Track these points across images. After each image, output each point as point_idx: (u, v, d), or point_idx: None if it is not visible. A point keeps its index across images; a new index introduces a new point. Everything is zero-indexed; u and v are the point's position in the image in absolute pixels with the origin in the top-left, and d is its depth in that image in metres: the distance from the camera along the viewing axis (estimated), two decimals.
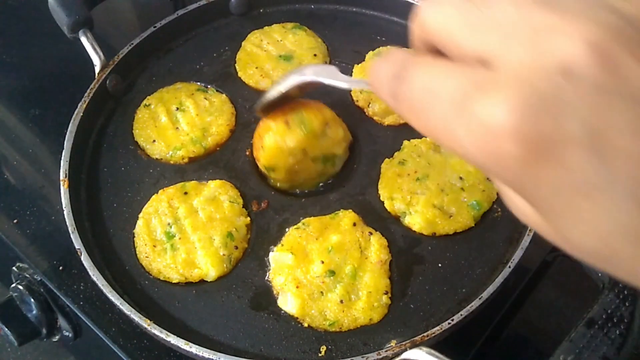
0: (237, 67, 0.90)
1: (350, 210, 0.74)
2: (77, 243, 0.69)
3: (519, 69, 0.27)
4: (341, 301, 0.67)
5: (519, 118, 0.26)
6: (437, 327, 0.63)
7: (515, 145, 0.26)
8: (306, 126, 0.72)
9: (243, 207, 0.76)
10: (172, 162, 0.81)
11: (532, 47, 0.27)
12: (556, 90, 0.26)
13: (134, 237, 0.74)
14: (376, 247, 0.71)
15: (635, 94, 0.26)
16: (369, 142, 0.82)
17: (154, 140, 0.82)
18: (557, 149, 0.26)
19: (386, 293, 0.68)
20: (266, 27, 0.95)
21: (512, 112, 0.26)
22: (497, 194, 0.75)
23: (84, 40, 0.84)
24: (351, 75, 0.89)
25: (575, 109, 0.26)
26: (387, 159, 0.80)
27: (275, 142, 0.72)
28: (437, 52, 0.34)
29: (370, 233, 0.72)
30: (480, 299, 0.65)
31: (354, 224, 0.72)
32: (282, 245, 0.72)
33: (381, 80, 0.34)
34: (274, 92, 0.68)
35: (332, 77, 0.59)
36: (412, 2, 0.94)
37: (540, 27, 0.28)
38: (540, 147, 0.26)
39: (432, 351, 0.60)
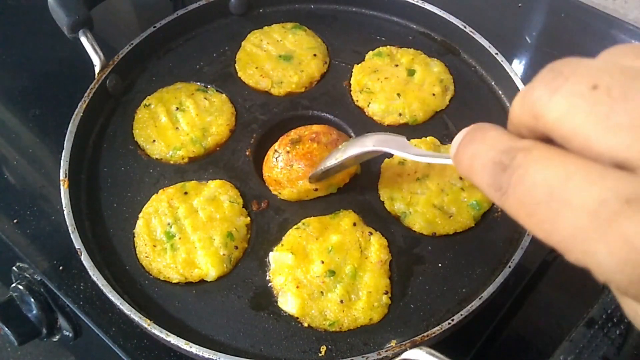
0: (237, 67, 0.90)
1: (350, 211, 0.74)
2: (77, 243, 0.69)
3: None
4: (341, 301, 0.67)
5: None
6: (437, 327, 0.63)
7: None
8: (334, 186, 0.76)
9: (243, 207, 0.76)
10: (172, 162, 0.81)
11: None
12: None
13: (134, 237, 0.74)
14: (376, 247, 0.71)
15: None
16: None
17: (154, 140, 0.82)
18: None
19: (386, 293, 0.68)
20: (266, 27, 0.95)
21: None
22: None
23: (83, 40, 0.84)
24: (350, 75, 0.89)
25: None
26: (387, 159, 0.80)
27: (305, 188, 0.74)
28: (544, 139, 0.29)
29: (370, 233, 0.72)
30: (480, 299, 0.65)
31: (354, 224, 0.72)
32: (282, 245, 0.72)
33: (478, 166, 0.29)
34: (332, 161, 0.66)
35: (401, 148, 0.56)
36: (412, 1, 0.94)
37: None
38: None
39: (432, 351, 0.60)
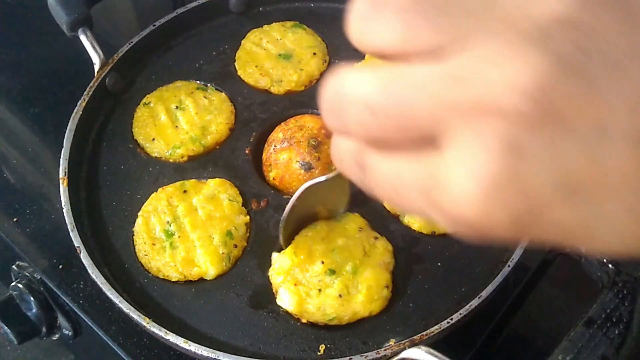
0: (236, 65, 0.90)
1: (357, 214, 0.74)
2: (77, 241, 0.69)
3: (464, 148, 0.26)
4: (340, 295, 0.66)
5: (482, 202, 0.25)
6: (437, 326, 0.63)
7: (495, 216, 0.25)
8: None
9: (242, 205, 0.76)
10: (171, 160, 0.81)
11: (471, 117, 0.25)
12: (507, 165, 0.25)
13: (133, 235, 0.74)
14: (380, 251, 0.70)
15: None
16: None
17: (154, 139, 0.82)
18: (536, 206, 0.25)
19: (387, 287, 0.68)
20: (265, 26, 0.95)
21: (473, 203, 0.25)
22: None
23: (83, 38, 0.84)
24: None
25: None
26: None
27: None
28: None
29: (376, 237, 0.72)
30: (479, 298, 0.65)
31: (360, 229, 0.72)
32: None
33: (348, 169, 0.33)
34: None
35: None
36: None
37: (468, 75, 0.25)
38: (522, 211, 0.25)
39: (432, 350, 0.60)
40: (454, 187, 0.26)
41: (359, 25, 0.31)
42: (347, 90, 0.29)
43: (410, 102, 0.26)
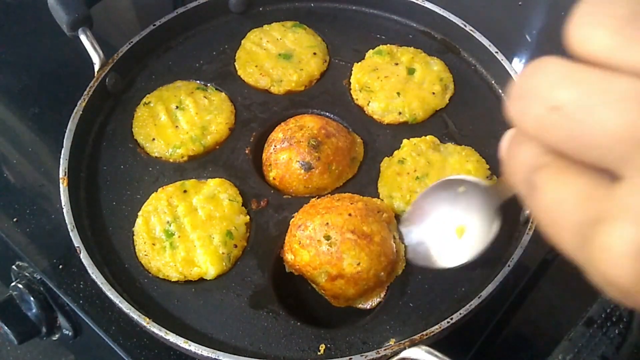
0: (236, 65, 0.90)
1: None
2: (77, 241, 0.69)
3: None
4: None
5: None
6: (436, 326, 0.63)
7: None
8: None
9: (242, 205, 0.76)
10: (171, 160, 0.81)
11: None
12: None
13: (133, 235, 0.74)
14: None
15: None
16: (368, 141, 0.82)
17: (154, 139, 0.82)
18: None
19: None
20: (266, 26, 0.95)
21: (626, 265, 0.23)
22: None
23: (83, 38, 0.84)
24: (350, 74, 0.89)
25: None
26: (386, 158, 0.80)
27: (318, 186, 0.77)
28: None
29: None
30: (479, 297, 0.65)
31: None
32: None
33: (518, 181, 0.30)
34: None
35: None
36: (412, 0, 0.93)
37: None
38: None
39: (431, 350, 0.60)
40: (615, 235, 0.23)
41: (581, 19, 0.28)
42: (543, 82, 0.27)
43: (604, 119, 0.24)
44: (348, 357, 0.61)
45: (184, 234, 0.72)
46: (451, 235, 0.61)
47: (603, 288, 0.25)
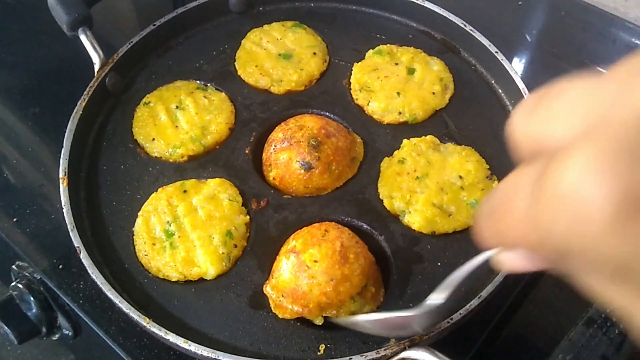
0: (236, 65, 0.90)
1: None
2: (77, 241, 0.69)
3: (587, 131, 0.25)
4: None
5: (606, 174, 0.23)
6: (437, 326, 0.63)
7: (605, 204, 0.23)
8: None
9: (242, 205, 0.76)
10: (171, 160, 0.80)
11: (599, 110, 0.25)
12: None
13: (133, 235, 0.74)
14: None
15: None
16: (368, 141, 0.82)
17: (154, 139, 0.82)
18: None
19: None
20: (266, 26, 0.95)
21: (592, 171, 0.23)
22: None
23: (83, 38, 0.84)
24: (350, 73, 0.89)
25: None
26: (386, 158, 0.79)
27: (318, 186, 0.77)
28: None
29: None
30: (479, 298, 0.65)
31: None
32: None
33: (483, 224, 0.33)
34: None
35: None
36: (412, 0, 0.93)
37: (605, 93, 0.26)
38: (633, 203, 0.23)
39: (432, 350, 0.60)
40: (569, 158, 0.25)
41: (531, 116, 0.31)
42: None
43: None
44: (348, 357, 0.61)
45: (184, 234, 0.72)
46: None
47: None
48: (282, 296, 0.65)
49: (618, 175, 0.23)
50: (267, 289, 0.67)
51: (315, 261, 0.64)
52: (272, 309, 0.67)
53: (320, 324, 0.66)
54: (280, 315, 0.66)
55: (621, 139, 0.23)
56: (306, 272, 0.64)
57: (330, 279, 0.63)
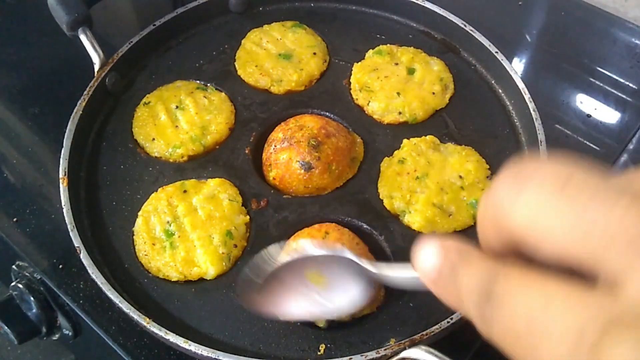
0: (236, 65, 0.90)
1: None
2: (77, 241, 0.69)
3: None
4: None
5: None
6: (436, 326, 0.63)
7: None
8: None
9: (242, 205, 0.76)
10: (171, 160, 0.81)
11: None
12: None
13: (133, 235, 0.74)
14: None
15: None
16: (368, 141, 0.82)
17: (154, 139, 0.82)
18: None
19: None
20: (266, 26, 0.95)
21: None
22: None
23: (83, 38, 0.84)
24: (350, 74, 0.89)
25: None
26: (386, 158, 0.79)
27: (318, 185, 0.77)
28: (515, 253, 0.27)
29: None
30: None
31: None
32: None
33: (462, 294, 0.28)
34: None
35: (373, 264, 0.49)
36: (412, 0, 0.94)
37: None
38: None
39: (432, 350, 0.60)
40: (630, 333, 0.20)
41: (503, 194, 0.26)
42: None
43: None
44: (348, 358, 0.61)
45: (184, 234, 0.72)
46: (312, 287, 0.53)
47: None
48: None
49: None
50: None
51: None
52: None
53: (323, 326, 0.66)
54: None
55: None
56: None
57: None
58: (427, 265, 0.30)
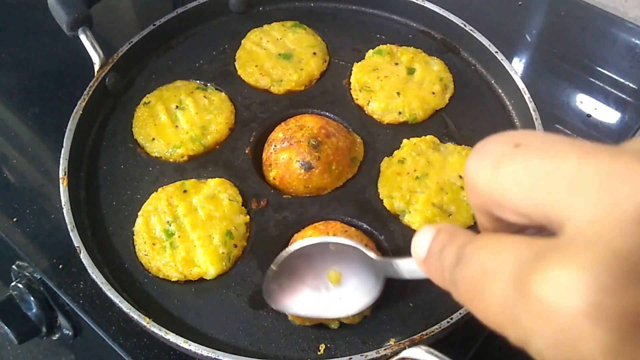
0: (236, 65, 0.90)
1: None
2: (77, 241, 0.69)
3: (587, 228, 0.22)
4: None
5: (595, 291, 0.21)
6: (436, 326, 0.63)
7: (596, 329, 0.21)
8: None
9: (242, 205, 0.76)
10: (171, 160, 0.81)
11: (601, 198, 0.22)
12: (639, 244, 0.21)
13: (133, 235, 0.74)
14: None
15: None
16: (368, 141, 0.82)
17: (154, 139, 0.82)
18: None
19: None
20: (266, 26, 0.95)
21: (583, 286, 0.21)
22: None
23: (83, 38, 0.84)
24: (350, 73, 0.89)
25: None
26: (386, 158, 0.79)
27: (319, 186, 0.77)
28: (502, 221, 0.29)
29: None
30: None
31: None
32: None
33: (445, 267, 0.30)
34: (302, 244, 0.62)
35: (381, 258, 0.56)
36: (412, 0, 0.94)
37: (609, 174, 0.22)
38: (631, 324, 0.21)
39: (432, 350, 0.60)
40: (563, 262, 0.22)
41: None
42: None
43: None
44: (348, 357, 0.61)
45: (184, 233, 0.72)
46: (327, 284, 0.62)
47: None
48: None
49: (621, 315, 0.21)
50: None
51: None
52: (290, 318, 0.67)
53: (336, 327, 0.66)
54: (297, 323, 0.66)
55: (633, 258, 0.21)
56: None
57: None
58: (419, 247, 0.33)
